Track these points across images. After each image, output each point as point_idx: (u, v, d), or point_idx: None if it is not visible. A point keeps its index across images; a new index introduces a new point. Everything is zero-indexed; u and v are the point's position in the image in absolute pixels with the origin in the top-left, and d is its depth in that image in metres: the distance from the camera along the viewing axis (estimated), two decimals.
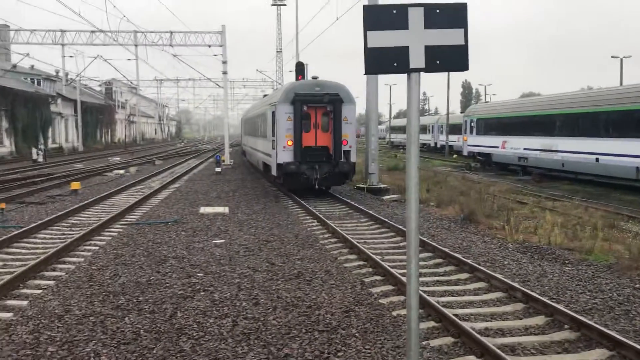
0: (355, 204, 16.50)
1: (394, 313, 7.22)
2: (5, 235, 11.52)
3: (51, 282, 8.48)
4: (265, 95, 35.50)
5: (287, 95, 18.68)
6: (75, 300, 7.59)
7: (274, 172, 19.60)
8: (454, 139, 47.91)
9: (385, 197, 19.34)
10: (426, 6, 4.16)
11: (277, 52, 78.94)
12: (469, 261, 9.58)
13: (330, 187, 19.92)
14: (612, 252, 10.49)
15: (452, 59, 4.20)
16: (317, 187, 18.61)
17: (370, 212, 15.06)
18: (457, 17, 4.16)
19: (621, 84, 41.97)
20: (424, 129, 58.96)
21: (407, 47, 4.15)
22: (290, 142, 18.55)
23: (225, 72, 37.34)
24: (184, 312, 7.15)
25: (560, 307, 7.13)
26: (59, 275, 8.88)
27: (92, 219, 14.44)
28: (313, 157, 18.57)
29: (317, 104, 18.56)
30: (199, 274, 8.96)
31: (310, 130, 18.76)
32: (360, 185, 21.61)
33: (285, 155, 18.55)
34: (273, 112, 19.44)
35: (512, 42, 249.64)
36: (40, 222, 13.17)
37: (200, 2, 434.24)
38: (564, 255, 10.40)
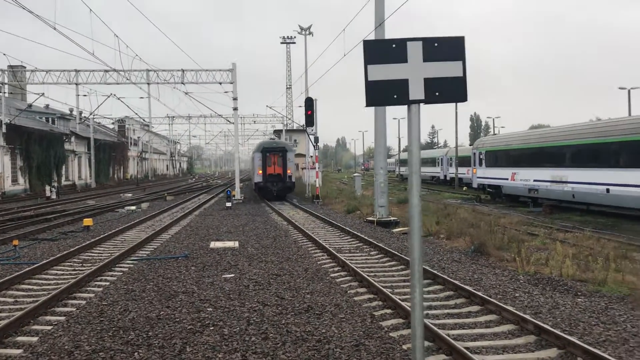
0: (365, 237, 16.48)
1: (405, 347, 7.16)
2: (18, 272, 11.60)
3: (62, 318, 8.51)
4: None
5: (259, 148, 35.92)
6: (85, 336, 7.60)
7: (254, 188, 37.08)
8: (464, 172, 47.89)
9: (395, 230, 19.30)
10: (425, 40, 4.26)
11: (286, 88, 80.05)
12: (479, 293, 9.49)
13: (284, 195, 35.42)
14: (625, 284, 10.34)
15: (451, 90, 4.28)
16: (275, 194, 34.43)
17: (380, 244, 15.02)
18: (455, 50, 4.25)
19: (629, 114, 41.93)
20: (433, 162, 59.01)
21: (407, 80, 4.25)
22: (260, 172, 35.01)
23: (235, 109, 37.76)
24: (193, 346, 7.13)
25: (573, 339, 7.02)
26: (69, 311, 8.91)
27: (104, 254, 14.52)
28: (273, 179, 34.91)
29: (274, 152, 35.17)
30: (208, 309, 8.95)
31: (271, 165, 34.93)
32: (370, 219, 21.58)
33: (258, 178, 35.34)
34: (253, 157, 36.96)
35: (517, 74, 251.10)
36: (52, 258, 13.27)
37: (211, 41, 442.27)
38: (576, 287, 10.29)
